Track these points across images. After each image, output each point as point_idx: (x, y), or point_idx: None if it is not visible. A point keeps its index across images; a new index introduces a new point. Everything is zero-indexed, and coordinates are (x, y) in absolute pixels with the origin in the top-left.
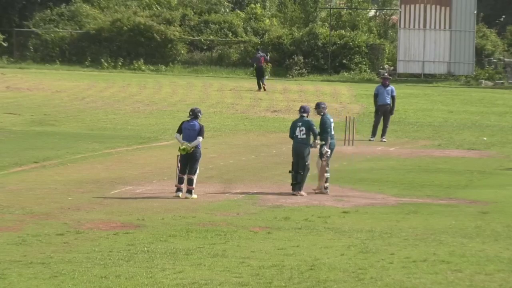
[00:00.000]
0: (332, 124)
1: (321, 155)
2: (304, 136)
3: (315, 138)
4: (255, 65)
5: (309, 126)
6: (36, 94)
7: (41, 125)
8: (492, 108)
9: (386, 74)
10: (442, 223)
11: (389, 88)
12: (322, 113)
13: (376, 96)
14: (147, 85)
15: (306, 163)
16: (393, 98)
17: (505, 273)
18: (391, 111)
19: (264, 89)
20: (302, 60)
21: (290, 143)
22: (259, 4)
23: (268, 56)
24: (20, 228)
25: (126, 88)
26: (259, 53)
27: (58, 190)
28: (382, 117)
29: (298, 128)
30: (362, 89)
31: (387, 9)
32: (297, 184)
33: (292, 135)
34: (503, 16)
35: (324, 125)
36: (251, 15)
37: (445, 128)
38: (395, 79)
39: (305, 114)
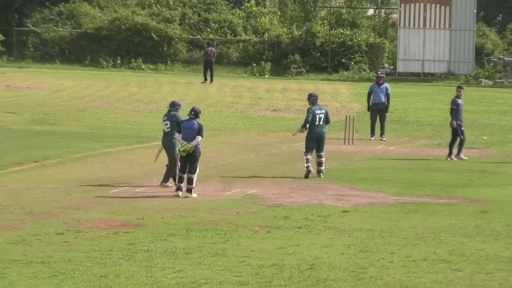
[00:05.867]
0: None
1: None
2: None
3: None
4: (204, 58)
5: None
6: (36, 93)
7: (41, 124)
8: (492, 107)
9: (379, 72)
10: (442, 222)
11: (383, 86)
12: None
13: (369, 94)
14: (147, 84)
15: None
16: (387, 96)
17: (504, 272)
18: (386, 109)
19: (211, 82)
20: (299, 59)
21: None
22: (253, 1)
23: (217, 50)
24: (20, 227)
25: (125, 87)
26: (209, 47)
27: (58, 189)
28: (378, 116)
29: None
30: (362, 88)
31: (386, 8)
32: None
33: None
34: (500, 15)
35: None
36: (249, 14)
37: (445, 127)
38: (395, 78)
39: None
